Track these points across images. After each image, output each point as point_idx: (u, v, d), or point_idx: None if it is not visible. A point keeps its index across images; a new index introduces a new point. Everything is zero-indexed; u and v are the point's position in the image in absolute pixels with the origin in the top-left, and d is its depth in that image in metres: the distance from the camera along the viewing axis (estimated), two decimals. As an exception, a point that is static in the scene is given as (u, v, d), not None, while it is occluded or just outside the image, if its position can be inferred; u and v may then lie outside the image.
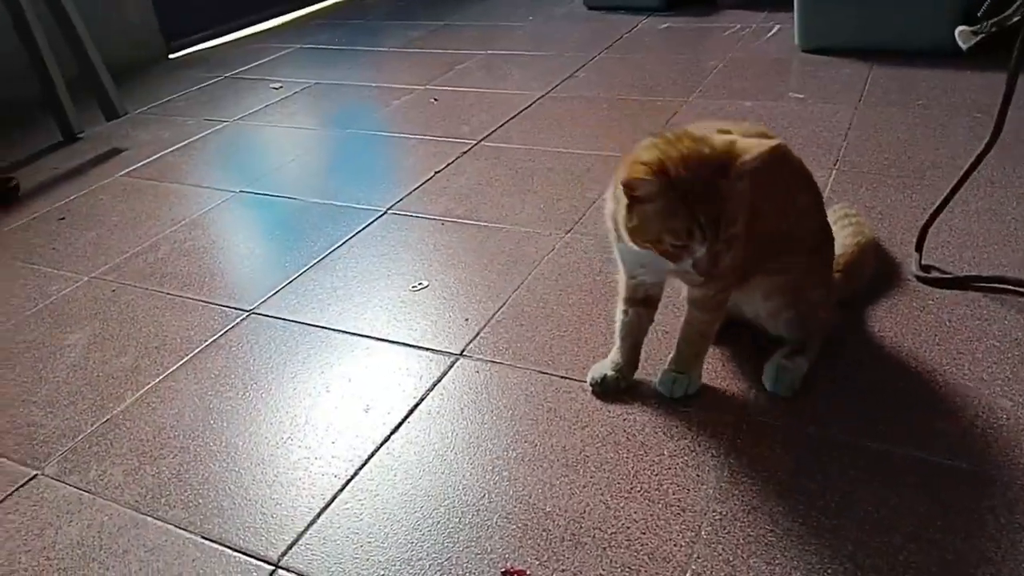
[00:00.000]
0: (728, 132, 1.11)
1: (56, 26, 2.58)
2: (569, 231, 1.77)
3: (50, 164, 2.44)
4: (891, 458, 1.10)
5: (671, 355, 1.25)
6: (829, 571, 0.95)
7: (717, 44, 3.01)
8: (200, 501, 1.13)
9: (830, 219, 1.58)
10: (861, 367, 1.28)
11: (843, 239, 1.49)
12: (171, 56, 3.61)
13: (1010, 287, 1.41)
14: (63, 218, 2.07)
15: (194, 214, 2.04)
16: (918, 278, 1.47)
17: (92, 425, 1.30)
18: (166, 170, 2.33)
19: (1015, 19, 1.37)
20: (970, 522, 0.99)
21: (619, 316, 1.26)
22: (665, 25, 3.32)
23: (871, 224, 1.56)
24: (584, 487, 1.10)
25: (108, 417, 1.32)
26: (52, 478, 1.20)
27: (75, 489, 1.17)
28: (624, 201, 1.03)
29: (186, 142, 2.52)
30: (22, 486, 1.19)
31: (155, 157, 2.42)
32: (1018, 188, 1.73)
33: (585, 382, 1.29)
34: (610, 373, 1.27)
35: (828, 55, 2.69)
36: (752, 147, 1.00)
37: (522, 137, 2.33)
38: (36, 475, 1.21)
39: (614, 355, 1.28)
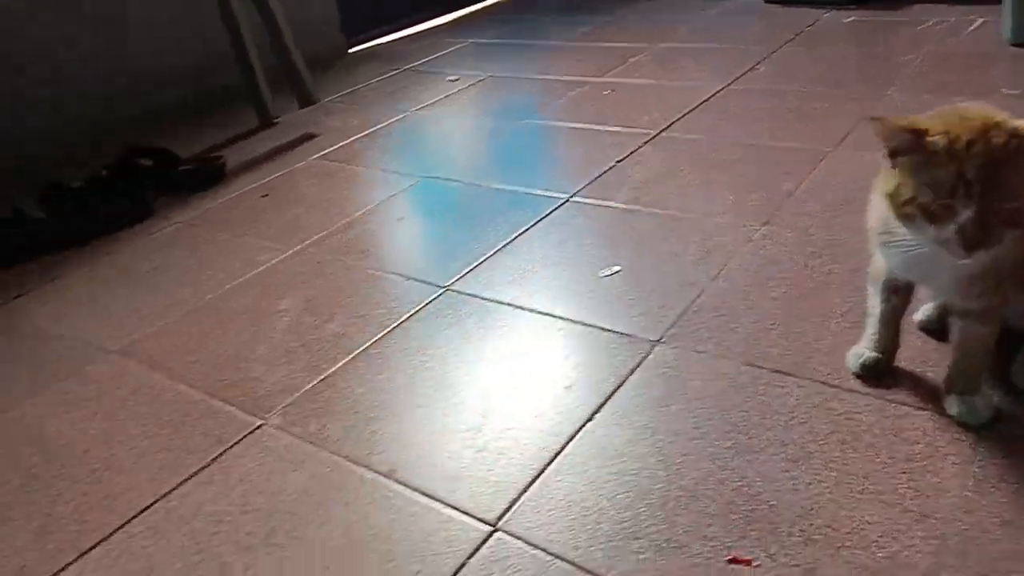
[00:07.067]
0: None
1: (259, 19, 2.77)
2: (765, 223, 1.70)
3: (250, 147, 2.62)
4: None
5: (946, 378, 1.13)
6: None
7: (909, 38, 2.81)
8: (412, 457, 1.17)
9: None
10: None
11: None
12: (350, 51, 3.79)
13: None
14: (266, 195, 2.20)
15: (383, 196, 2.12)
16: None
17: (309, 383, 1.37)
18: (355, 155, 2.44)
19: None
20: None
21: (877, 302, 1.18)
22: (850, 19, 3.15)
23: None
24: (810, 484, 1.04)
25: (323, 377, 1.38)
26: (276, 428, 1.27)
27: (298, 440, 1.24)
28: (887, 168, 0.97)
29: (372, 129, 2.63)
30: (249, 434, 1.27)
31: (345, 143, 2.53)
32: None
33: (801, 377, 1.23)
34: (877, 355, 1.19)
35: (1045, 49, 2.46)
36: None
37: (704, 129, 2.27)
38: (262, 425, 1.29)
39: (873, 340, 1.20)
